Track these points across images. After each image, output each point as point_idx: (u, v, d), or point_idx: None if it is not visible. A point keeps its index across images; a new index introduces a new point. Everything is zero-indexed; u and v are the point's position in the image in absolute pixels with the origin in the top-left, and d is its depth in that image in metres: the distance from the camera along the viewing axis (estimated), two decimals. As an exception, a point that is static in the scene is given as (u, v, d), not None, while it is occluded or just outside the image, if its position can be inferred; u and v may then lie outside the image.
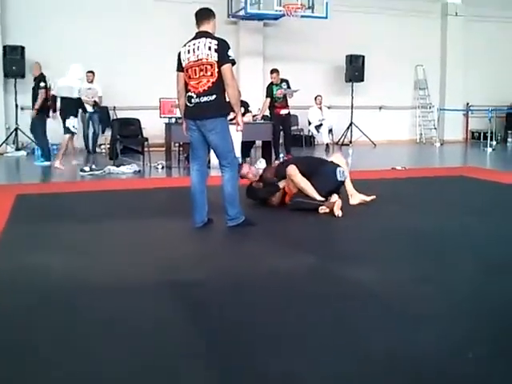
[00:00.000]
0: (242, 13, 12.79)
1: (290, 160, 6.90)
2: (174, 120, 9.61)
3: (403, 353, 2.61)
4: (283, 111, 10.87)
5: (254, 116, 10.47)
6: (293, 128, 12.30)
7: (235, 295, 3.42)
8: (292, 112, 11.61)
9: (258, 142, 10.91)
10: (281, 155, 10.51)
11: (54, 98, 9.88)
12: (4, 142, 12.05)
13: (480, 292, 3.47)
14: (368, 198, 6.11)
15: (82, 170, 8.98)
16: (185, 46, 4.99)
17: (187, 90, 4.97)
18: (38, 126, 9.95)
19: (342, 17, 13.71)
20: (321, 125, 13.56)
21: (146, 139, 10.48)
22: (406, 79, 15.73)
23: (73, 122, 9.65)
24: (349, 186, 6.12)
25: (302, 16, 12.38)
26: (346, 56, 14.32)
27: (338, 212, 5.52)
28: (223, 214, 5.08)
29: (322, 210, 5.64)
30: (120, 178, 8.70)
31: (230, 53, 4.85)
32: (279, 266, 3.99)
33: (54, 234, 4.96)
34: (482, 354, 2.59)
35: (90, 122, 11.78)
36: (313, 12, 12.51)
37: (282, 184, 6.06)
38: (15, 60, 11.77)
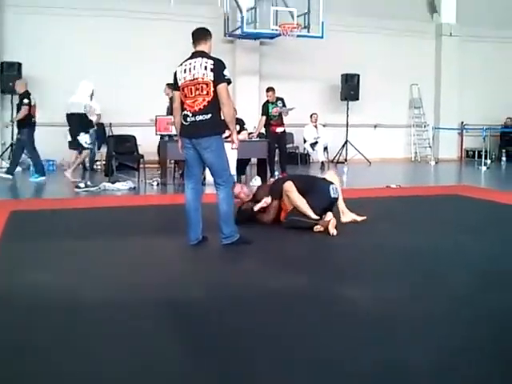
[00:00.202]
0: (238, 32, 12.88)
1: (285, 177, 6.92)
2: (167, 138, 9.64)
3: (395, 371, 2.61)
4: (279, 129, 10.90)
5: (249, 134, 10.52)
6: (288, 146, 12.33)
7: (230, 313, 3.41)
8: (287, 130, 11.66)
9: (254, 160, 10.94)
10: (276, 173, 10.54)
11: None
12: (-1, 158, 12.06)
13: (473, 311, 3.48)
14: (359, 218, 6.15)
15: (77, 187, 8.98)
16: (181, 65, 5.04)
17: (183, 109, 5.01)
18: (27, 143, 9.99)
19: (337, 36, 13.85)
20: (316, 143, 13.62)
21: (142, 156, 10.51)
22: (401, 98, 15.83)
23: (85, 138, 9.69)
24: (341, 203, 6.16)
25: (298, 35, 12.46)
26: (342, 75, 14.42)
27: (332, 231, 5.54)
28: (218, 232, 5.09)
29: (317, 228, 5.65)
30: (115, 195, 8.71)
31: (226, 72, 4.91)
32: (274, 284, 3.99)
33: (48, 251, 4.95)
34: (473, 373, 2.59)
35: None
36: (309, 32, 12.60)
37: (272, 201, 6.05)
38: (12, 76, 11.79)
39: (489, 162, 13.82)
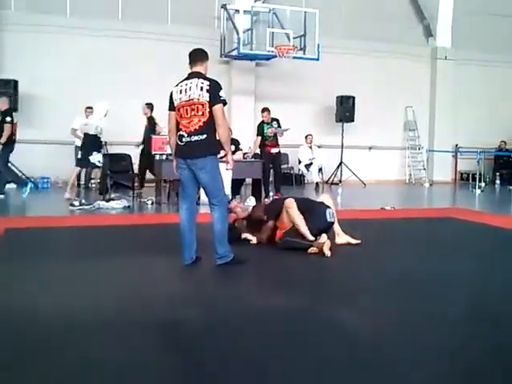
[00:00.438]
0: (234, 53, 12.99)
1: (282, 197, 6.93)
2: (164, 157, 9.66)
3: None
4: (274, 150, 10.94)
5: (244, 154, 10.54)
6: (283, 166, 12.36)
7: (223, 335, 3.38)
8: (282, 150, 11.69)
9: (248, 180, 10.95)
10: (270, 193, 10.55)
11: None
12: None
13: (469, 336, 3.47)
14: (353, 241, 6.16)
15: (72, 205, 8.95)
16: (177, 85, 5.06)
17: (178, 129, 5.02)
18: (1, 159, 10.01)
19: (333, 59, 13.98)
20: (311, 164, 13.66)
21: (137, 175, 10.50)
22: (395, 120, 15.94)
23: (97, 157, 9.93)
24: (336, 225, 6.17)
25: (294, 57, 12.58)
26: (337, 97, 14.52)
27: (327, 252, 5.53)
28: (212, 252, 5.08)
29: (312, 250, 5.64)
30: (109, 214, 8.69)
31: (222, 93, 4.93)
32: (268, 306, 3.96)
33: (41, 270, 4.91)
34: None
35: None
36: (304, 53, 12.72)
37: (267, 221, 6.09)
38: (8, 94, 11.79)
39: (483, 184, 13.88)
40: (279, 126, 10.99)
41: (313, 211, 5.97)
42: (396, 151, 16.07)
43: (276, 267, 5.35)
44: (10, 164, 10.31)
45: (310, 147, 13.78)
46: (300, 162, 13.84)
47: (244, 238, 6.22)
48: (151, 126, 10.91)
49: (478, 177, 13.78)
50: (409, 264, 5.36)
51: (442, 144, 15.89)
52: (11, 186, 11.67)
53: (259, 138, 10.93)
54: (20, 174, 10.69)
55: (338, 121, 14.63)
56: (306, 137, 13.70)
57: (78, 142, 11.78)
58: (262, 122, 11.01)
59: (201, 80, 4.92)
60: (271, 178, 11.26)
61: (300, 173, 14.11)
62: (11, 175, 10.29)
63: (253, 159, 10.67)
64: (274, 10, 12.99)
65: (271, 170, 11.11)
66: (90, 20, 12.75)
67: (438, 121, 16.18)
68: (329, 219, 5.98)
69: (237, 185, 10.13)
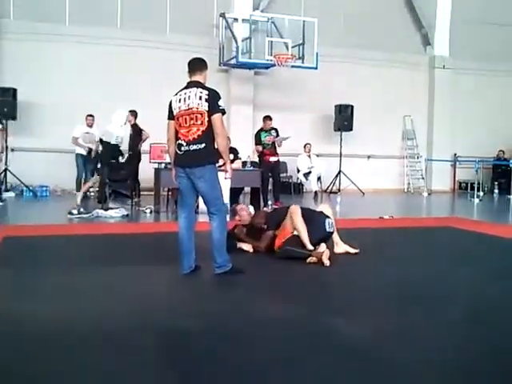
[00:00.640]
0: (233, 61, 13.01)
1: (283, 207, 6.93)
2: (163, 165, 9.66)
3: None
4: (272, 158, 10.95)
5: (243, 163, 10.54)
6: (282, 175, 12.37)
7: (221, 344, 3.37)
8: (281, 159, 11.71)
9: (247, 189, 10.95)
10: (269, 202, 10.55)
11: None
12: (-7, 183, 12.02)
13: (469, 345, 3.46)
14: (352, 251, 6.17)
15: (70, 213, 8.94)
16: (176, 95, 5.07)
17: (177, 138, 5.02)
18: None
19: (331, 67, 14.02)
20: (309, 172, 13.66)
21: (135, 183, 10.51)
22: (394, 129, 15.96)
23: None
24: (335, 235, 6.18)
25: (293, 66, 12.61)
26: (335, 106, 14.54)
27: (326, 261, 5.53)
28: (211, 261, 5.07)
29: (311, 259, 5.64)
30: (108, 222, 8.67)
31: (221, 103, 4.94)
32: (266, 316, 3.95)
33: (39, 279, 4.90)
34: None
35: (84, 166, 11.86)
36: (303, 62, 12.75)
37: (266, 230, 6.11)
38: (7, 102, 11.84)
39: (481, 194, 13.90)
40: (277, 135, 11.00)
41: (312, 221, 5.98)
42: (394, 160, 16.09)
43: (274, 277, 5.34)
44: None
45: (309, 156, 13.79)
46: (299, 171, 13.84)
47: (239, 247, 6.21)
48: (136, 132, 10.93)
49: (476, 186, 13.79)
50: (407, 273, 5.36)
51: (440, 153, 15.90)
52: (11, 193, 11.72)
53: (259, 146, 10.95)
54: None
55: (336, 130, 14.65)
56: (304, 146, 13.71)
57: (79, 151, 11.83)
58: (261, 129, 11.03)
59: (200, 89, 4.93)
60: (270, 187, 11.27)
61: (299, 182, 14.10)
62: None
63: (251, 168, 10.68)
64: (272, 19, 13.05)
65: (270, 179, 11.12)
66: (89, 28, 12.78)
67: (436, 130, 16.21)
68: (328, 229, 5.99)
69: (235, 193, 10.12)
